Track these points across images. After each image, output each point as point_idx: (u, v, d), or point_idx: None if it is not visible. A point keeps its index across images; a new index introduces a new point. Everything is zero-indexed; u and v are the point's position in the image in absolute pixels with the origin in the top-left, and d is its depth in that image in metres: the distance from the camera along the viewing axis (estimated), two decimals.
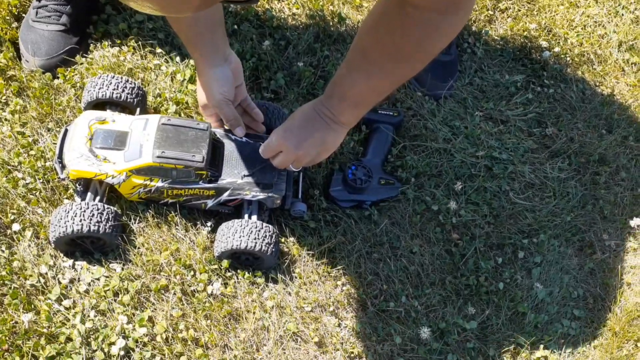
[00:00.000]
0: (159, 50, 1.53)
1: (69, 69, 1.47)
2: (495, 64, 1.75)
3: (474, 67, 1.73)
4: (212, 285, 1.25)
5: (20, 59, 1.47)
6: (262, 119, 1.38)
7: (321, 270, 1.34)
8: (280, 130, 1.21)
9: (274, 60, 1.56)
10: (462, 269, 1.40)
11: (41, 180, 1.30)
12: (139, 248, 1.28)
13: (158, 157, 1.22)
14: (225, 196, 1.29)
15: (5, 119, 1.36)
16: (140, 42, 1.52)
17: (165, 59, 1.52)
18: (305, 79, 1.56)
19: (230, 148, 1.32)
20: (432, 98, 1.65)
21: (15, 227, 1.25)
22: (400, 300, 1.34)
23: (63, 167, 1.26)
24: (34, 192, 1.29)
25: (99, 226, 1.21)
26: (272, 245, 1.27)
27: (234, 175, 1.29)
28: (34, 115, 1.38)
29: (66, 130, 1.28)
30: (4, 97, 1.39)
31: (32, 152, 1.33)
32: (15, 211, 1.26)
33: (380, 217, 1.43)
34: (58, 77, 1.45)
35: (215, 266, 1.28)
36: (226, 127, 1.34)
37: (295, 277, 1.32)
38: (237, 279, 1.29)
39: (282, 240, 1.36)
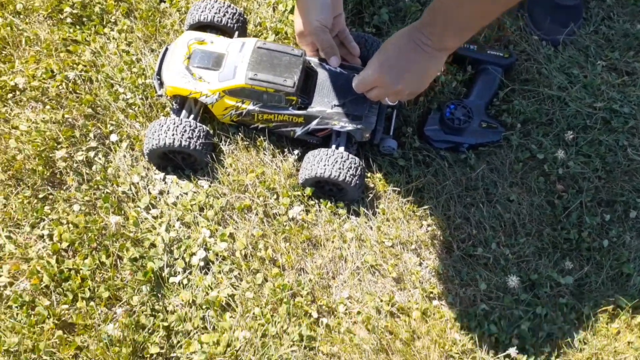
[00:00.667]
0: None
1: None
2: (626, 12, 1.58)
3: (601, 14, 1.57)
4: (293, 209, 1.24)
5: None
6: (359, 53, 1.33)
7: (406, 209, 1.28)
8: (376, 63, 1.15)
9: None
10: (564, 222, 1.28)
11: (140, 97, 1.34)
12: (226, 168, 1.29)
13: (251, 79, 1.22)
14: (313, 124, 1.26)
15: (113, 38, 1.41)
16: None
17: None
18: (411, 15, 1.49)
19: (323, 77, 1.29)
20: (550, 43, 1.51)
21: (113, 137, 1.30)
22: (489, 247, 1.25)
23: (161, 84, 1.29)
24: (133, 107, 1.34)
25: (189, 142, 1.23)
26: (356, 177, 1.23)
27: (324, 104, 1.26)
28: (139, 36, 1.42)
29: (166, 49, 1.31)
30: (113, 17, 1.44)
31: (135, 70, 1.38)
32: (114, 123, 1.31)
33: (477, 162, 1.34)
34: (165, 1, 1.48)
35: (299, 193, 1.27)
36: (321, 56, 1.31)
37: (378, 213, 1.27)
38: (319, 207, 1.27)
39: (368, 175, 1.31)
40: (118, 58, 1.38)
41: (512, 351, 1.10)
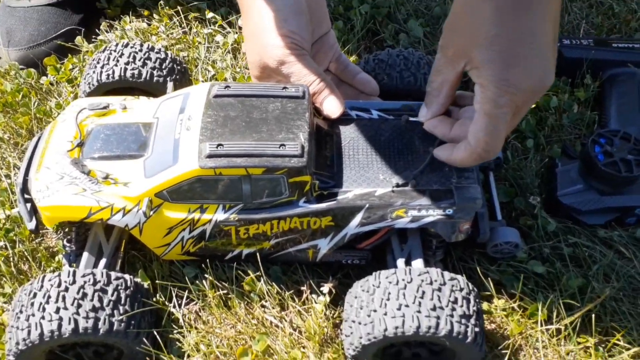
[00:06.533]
0: (210, 14, 0.92)
1: (64, 59, 0.88)
2: None
3: None
4: None
5: None
6: (376, 89, 0.72)
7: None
8: (496, 66, 0.53)
9: (402, 3, 0.91)
10: None
11: (1, 244, 0.68)
12: (190, 357, 0.61)
13: (211, 155, 0.57)
14: (354, 225, 0.61)
15: None
16: (180, 7, 0.92)
17: (221, 25, 0.91)
18: None
19: (349, 132, 0.65)
20: None
21: None
22: None
23: (33, 208, 0.63)
24: None
25: (98, 321, 0.56)
26: (472, 321, 0.56)
27: (369, 180, 0.61)
28: None
29: (38, 141, 0.67)
30: None
31: None
32: None
33: None
34: (46, 73, 0.87)
35: None
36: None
37: None
38: None
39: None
40: None
41: None
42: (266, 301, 0.65)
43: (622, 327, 0.62)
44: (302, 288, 0.66)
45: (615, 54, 0.81)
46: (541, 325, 0.63)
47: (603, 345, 0.62)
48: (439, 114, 0.61)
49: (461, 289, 0.57)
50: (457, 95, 0.61)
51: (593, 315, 0.62)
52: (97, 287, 0.58)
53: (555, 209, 0.71)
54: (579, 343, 0.62)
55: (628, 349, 0.61)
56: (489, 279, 0.65)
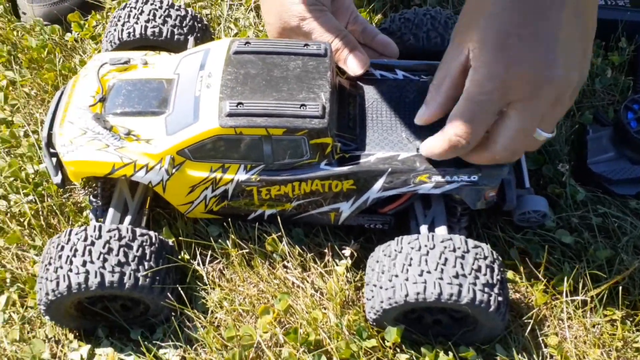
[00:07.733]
0: None
1: (88, 16, 0.88)
2: None
3: None
4: None
5: (18, 16, 0.90)
6: (396, 51, 0.68)
7: (606, 337, 0.59)
8: (487, 48, 0.49)
9: None
10: None
11: (31, 199, 0.69)
12: (212, 312, 0.62)
13: (231, 114, 0.56)
14: (377, 189, 0.60)
15: None
16: None
17: None
18: None
19: (373, 94, 0.64)
20: None
21: None
22: None
23: (58, 163, 0.64)
24: (19, 219, 0.68)
25: (124, 276, 0.57)
26: (496, 290, 0.55)
27: (392, 144, 0.60)
28: (26, 92, 0.78)
29: (61, 95, 0.66)
30: None
31: (20, 151, 0.73)
32: None
33: None
34: (71, 29, 0.86)
35: (373, 342, 0.58)
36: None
37: (550, 357, 0.58)
38: None
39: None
40: None
41: None
42: (288, 262, 0.65)
43: None
44: (324, 250, 0.66)
45: None
46: (566, 296, 0.61)
47: (630, 319, 0.61)
48: (436, 117, 0.56)
49: (485, 257, 0.56)
50: None
51: (620, 288, 0.60)
52: (123, 242, 0.58)
53: (585, 177, 0.69)
54: (605, 315, 0.61)
55: None
56: (515, 247, 0.64)
